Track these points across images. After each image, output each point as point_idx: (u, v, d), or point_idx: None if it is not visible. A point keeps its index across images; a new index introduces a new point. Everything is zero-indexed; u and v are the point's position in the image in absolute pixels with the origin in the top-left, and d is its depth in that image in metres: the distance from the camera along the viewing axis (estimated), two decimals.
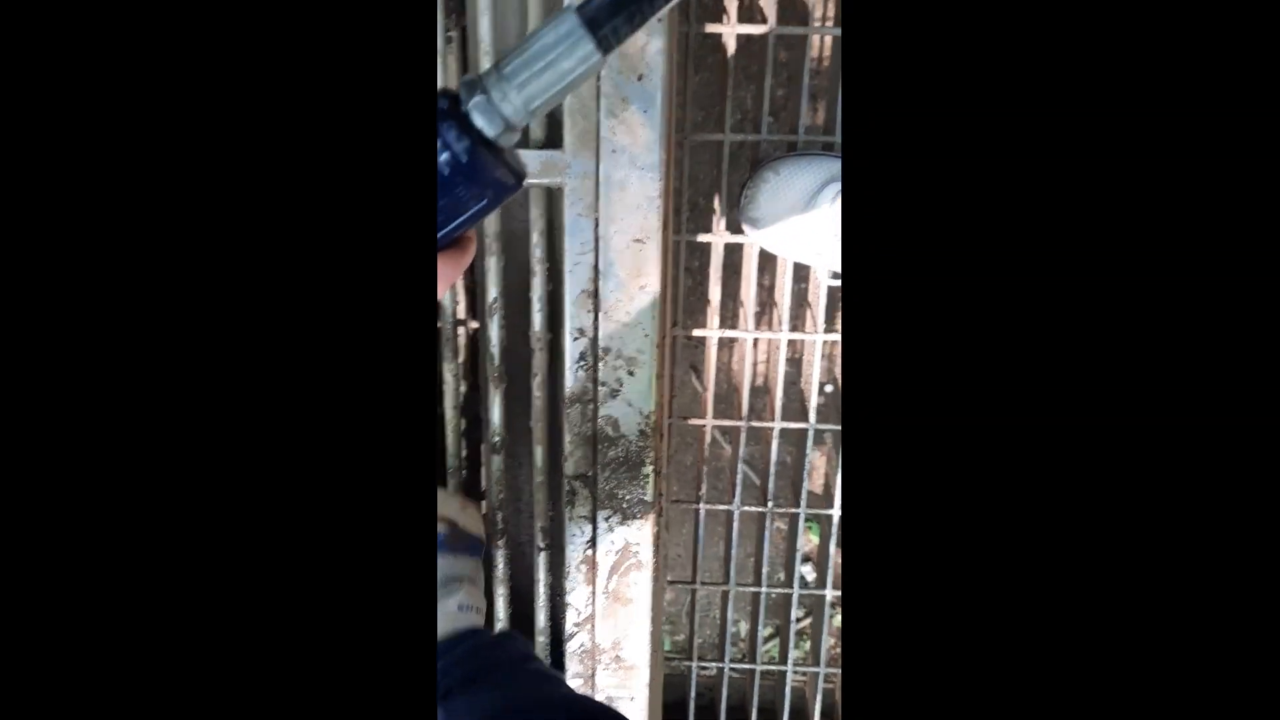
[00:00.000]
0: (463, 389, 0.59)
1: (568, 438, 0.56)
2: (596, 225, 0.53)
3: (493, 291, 0.55)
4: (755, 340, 0.79)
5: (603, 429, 0.56)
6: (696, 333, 0.76)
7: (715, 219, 0.74)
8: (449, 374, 0.58)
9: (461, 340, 0.60)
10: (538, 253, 0.54)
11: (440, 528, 0.53)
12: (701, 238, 0.75)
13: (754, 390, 0.80)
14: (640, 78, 0.51)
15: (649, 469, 0.56)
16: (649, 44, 0.51)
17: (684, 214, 0.81)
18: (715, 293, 0.76)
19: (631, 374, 0.55)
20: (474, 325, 0.63)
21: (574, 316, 0.54)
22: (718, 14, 0.76)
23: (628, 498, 0.57)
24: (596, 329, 0.54)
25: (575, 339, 0.55)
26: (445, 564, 0.52)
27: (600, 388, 0.55)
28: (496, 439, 0.58)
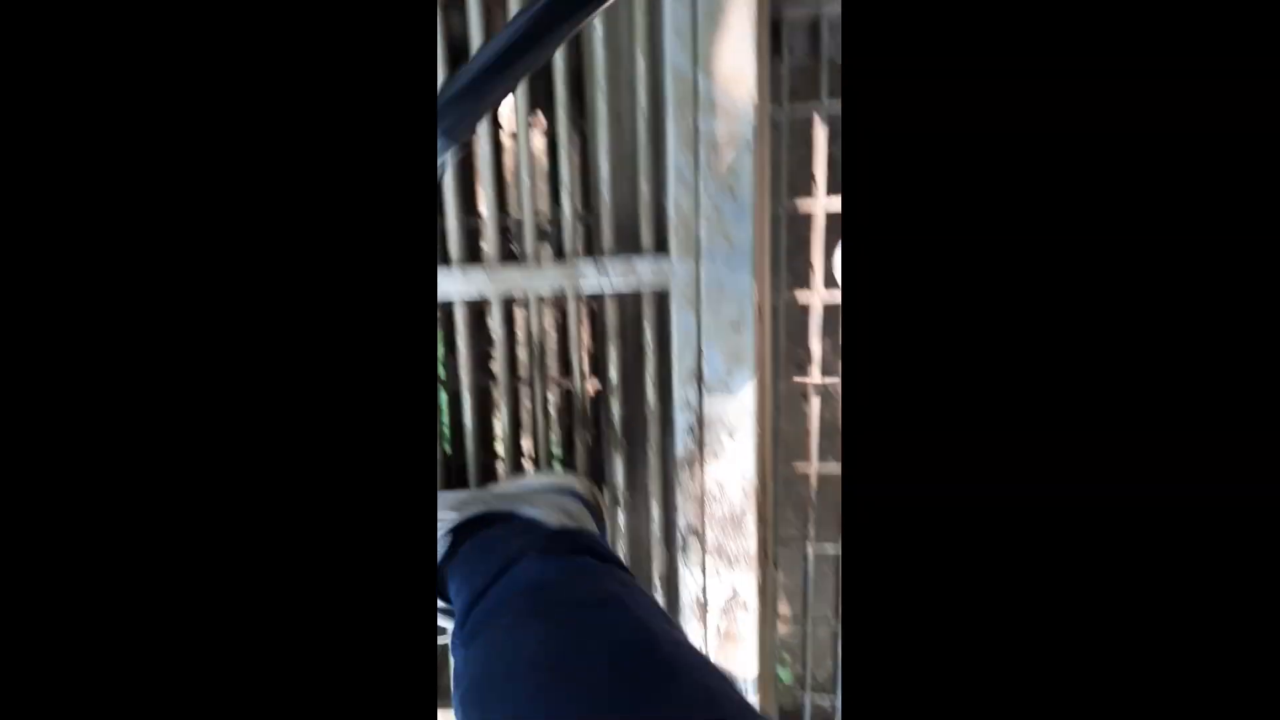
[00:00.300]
0: (588, 450, 0.70)
1: (679, 496, 0.65)
2: (699, 316, 0.62)
3: (613, 372, 0.66)
4: None
5: (709, 489, 0.64)
6: (798, 380, 0.84)
7: (814, 276, 0.81)
8: (579, 439, 0.69)
9: (585, 409, 0.71)
10: (650, 340, 0.64)
11: (582, 490, 0.61)
12: (801, 295, 0.83)
13: None
14: (731, 190, 0.60)
15: (752, 524, 0.64)
16: (738, 159, 0.60)
17: (783, 273, 0.89)
18: (816, 346, 0.83)
19: (733, 439, 0.64)
20: (595, 390, 0.74)
21: (681, 392, 0.64)
22: (809, 94, 0.84)
23: (733, 549, 0.65)
24: (701, 403, 0.63)
25: (683, 411, 0.64)
26: (576, 508, 0.57)
27: (706, 452, 0.64)
28: (619, 495, 0.68)
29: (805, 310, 0.86)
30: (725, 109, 0.59)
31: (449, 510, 0.57)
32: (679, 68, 0.59)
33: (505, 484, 0.65)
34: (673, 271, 0.62)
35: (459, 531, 0.55)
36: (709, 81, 0.59)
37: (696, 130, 0.59)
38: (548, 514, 0.55)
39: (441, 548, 0.55)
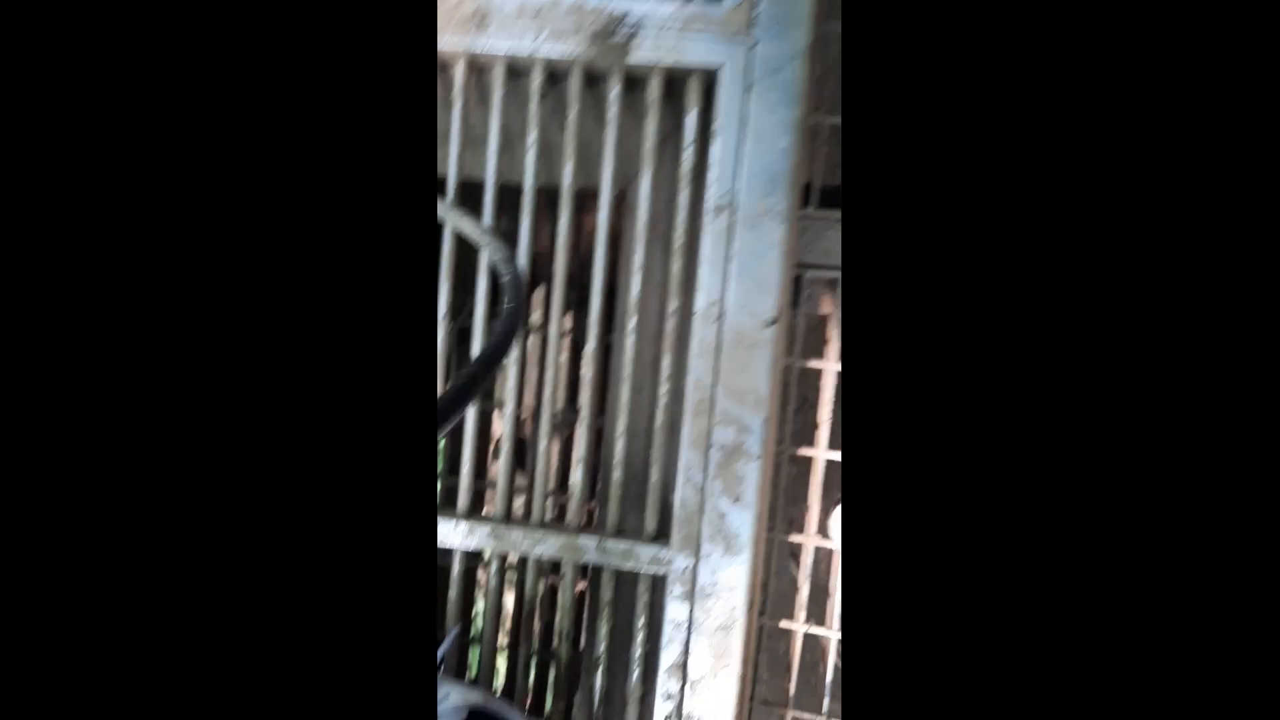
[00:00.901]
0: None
1: None
2: (691, 609, 0.63)
3: (600, 648, 0.66)
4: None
5: None
6: (785, 625, 0.84)
7: (809, 521, 0.83)
8: (557, 711, 0.68)
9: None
10: (641, 621, 0.65)
11: None
12: (795, 538, 0.85)
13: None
14: (737, 498, 0.63)
15: None
16: (744, 469, 0.63)
17: (778, 518, 0.91)
18: (805, 588, 0.84)
19: None
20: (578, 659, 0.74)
21: (664, 683, 0.64)
22: (818, 346, 0.89)
23: None
24: (683, 695, 0.63)
25: (663, 701, 0.64)
26: None
27: None
28: None
29: (798, 549, 0.87)
30: (738, 421, 0.62)
31: (475, 694, 0.60)
32: (700, 378, 0.63)
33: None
34: (671, 563, 0.63)
35: (475, 714, 0.58)
36: (725, 396, 0.62)
37: (709, 436, 0.63)
38: None
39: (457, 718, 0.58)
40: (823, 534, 0.86)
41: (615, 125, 0.64)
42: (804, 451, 0.87)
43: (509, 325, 0.37)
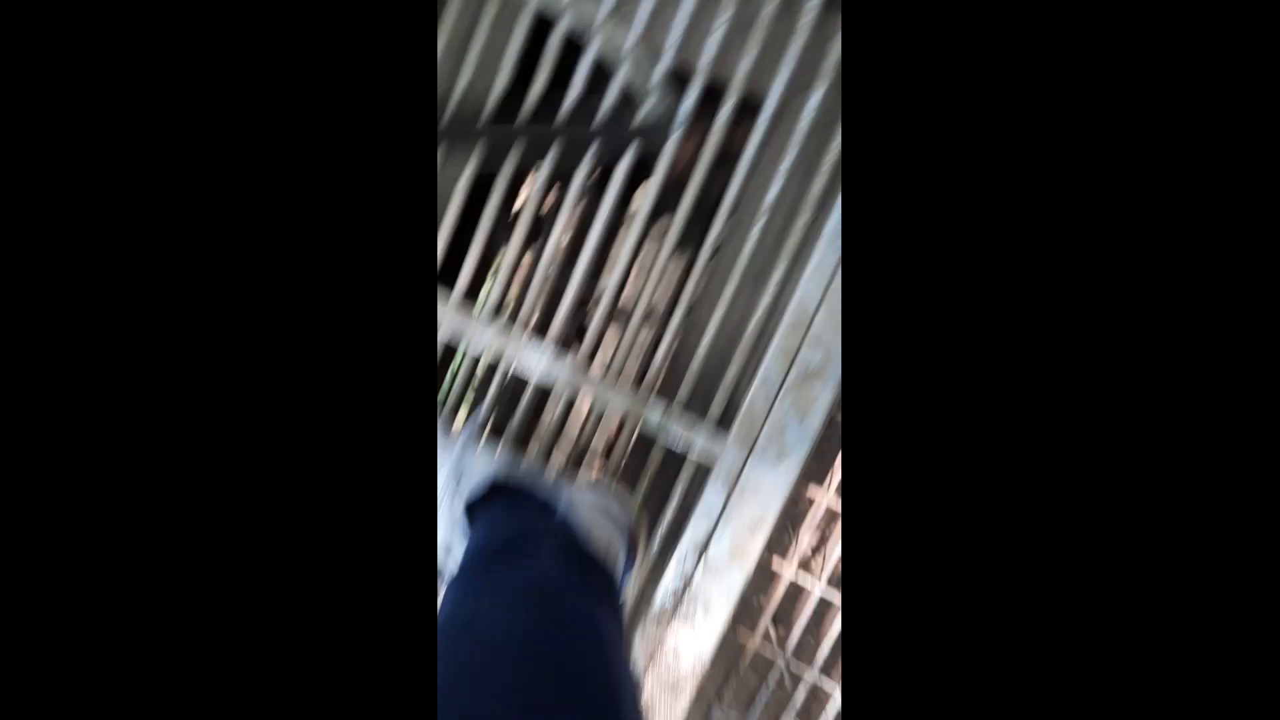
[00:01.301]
0: None
1: (638, 642, 0.70)
2: (727, 500, 0.68)
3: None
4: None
5: (666, 649, 0.70)
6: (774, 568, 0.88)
7: (831, 477, 0.86)
8: None
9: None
10: (679, 489, 0.70)
11: (630, 522, 0.61)
12: (811, 491, 0.88)
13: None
14: (802, 416, 0.66)
15: (688, 699, 0.69)
16: (819, 395, 0.66)
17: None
18: (803, 543, 0.88)
19: (706, 615, 0.69)
20: None
21: (681, 555, 0.69)
22: None
23: (663, 712, 0.70)
24: (694, 574, 0.69)
25: (675, 571, 0.69)
26: (614, 535, 0.57)
27: (677, 615, 0.69)
28: None
29: (810, 503, 0.91)
30: (828, 348, 0.65)
31: (496, 464, 0.59)
32: (805, 298, 0.65)
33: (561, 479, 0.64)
34: (723, 453, 0.68)
35: (496, 488, 0.57)
36: (825, 321, 0.65)
37: (796, 353, 0.65)
38: (586, 529, 0.55)
39: (478, 493, 0.56)
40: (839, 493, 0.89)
41: (804, 34, 0.65)
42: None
43: (660, 123, 0.33)
